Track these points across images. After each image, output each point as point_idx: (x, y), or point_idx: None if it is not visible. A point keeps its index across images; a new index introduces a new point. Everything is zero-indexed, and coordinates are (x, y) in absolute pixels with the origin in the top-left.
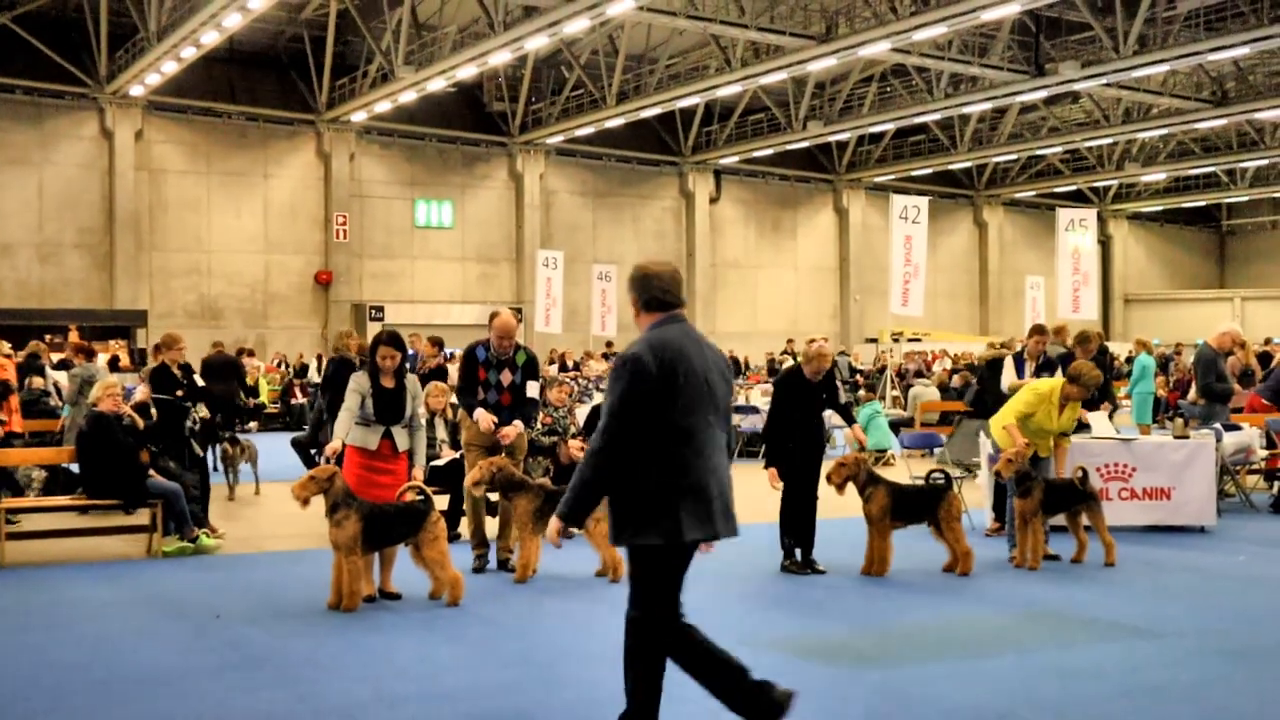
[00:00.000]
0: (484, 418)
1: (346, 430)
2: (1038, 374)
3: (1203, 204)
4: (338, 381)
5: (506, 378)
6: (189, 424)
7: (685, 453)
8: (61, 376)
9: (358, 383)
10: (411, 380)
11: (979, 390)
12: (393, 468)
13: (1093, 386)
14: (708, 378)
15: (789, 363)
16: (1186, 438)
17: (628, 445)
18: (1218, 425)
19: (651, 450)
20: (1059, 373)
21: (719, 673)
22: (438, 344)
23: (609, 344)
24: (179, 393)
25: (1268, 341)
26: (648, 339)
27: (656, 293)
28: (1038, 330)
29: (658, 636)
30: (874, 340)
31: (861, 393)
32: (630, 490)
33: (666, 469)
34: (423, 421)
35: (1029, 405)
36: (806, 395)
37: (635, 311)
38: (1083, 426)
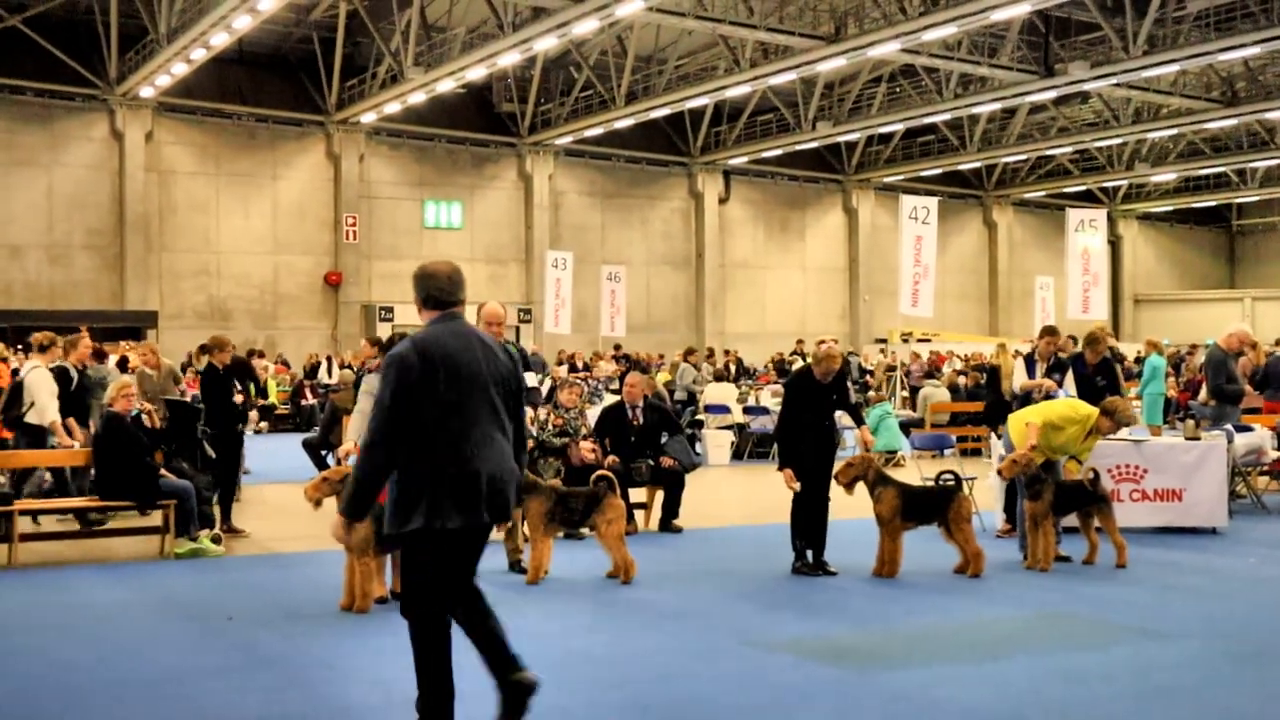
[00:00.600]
0: None
1: (359, 432)
2: (1048, 375)
3: (1213, 204)
4: None
5: None
6: (240, 425)
7: (452, 443)
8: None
9: (371, 385)
10: None
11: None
12: None
13: (1125, 424)
14: (476, 371)
15: (798, 363)
16: (1198, 439)
17: (397, 437)
18: (1229, 426)
19: (419, 441)
20: (1069, 374)
21: (436, 682)
22: (378, 344)
23: (617, 346)
24: (239, 397)
25: (1278, 342)
26: (414, 336)
27: (433, 291)
28: (1048, 331)
29: (428, 625)
30: (883, 341)
31: (871, 393)
32: (402, 480)
33: (433, 459)
34: None
35: (1063, 420)
36: (817, 396)
37: (418, 309)
38: None
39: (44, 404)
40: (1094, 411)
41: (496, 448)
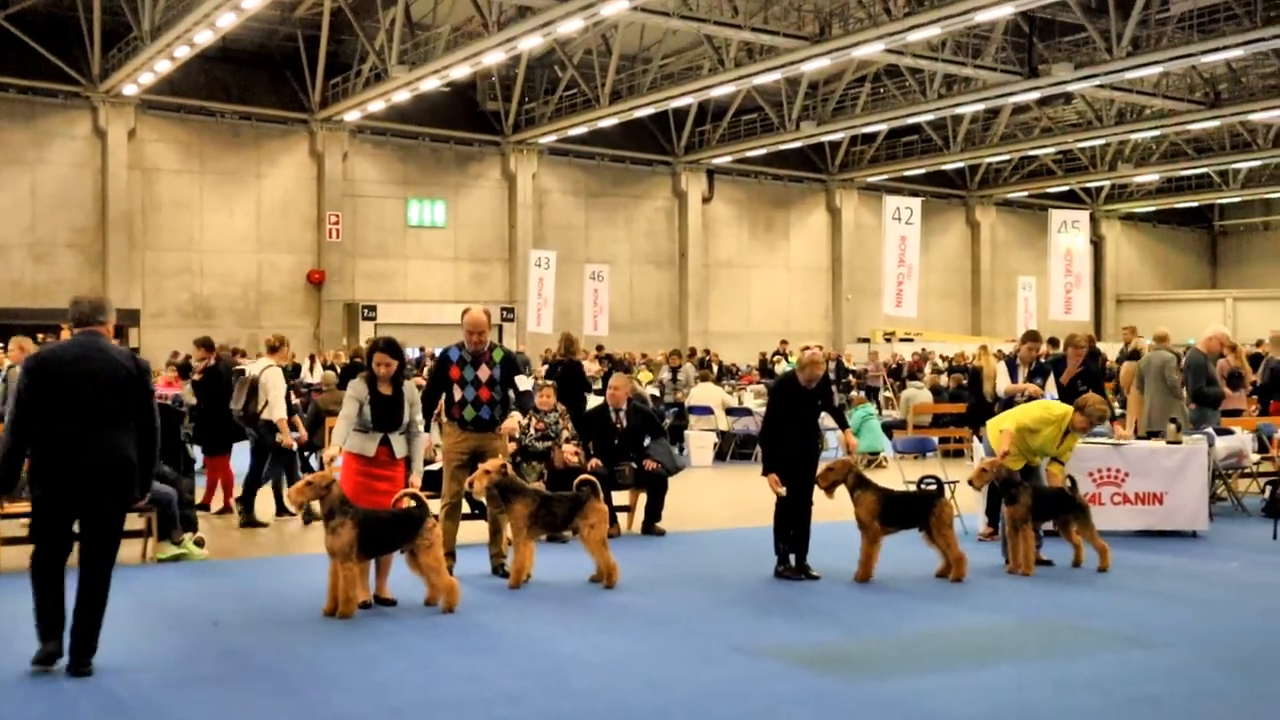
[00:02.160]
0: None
1: (344, 437)
2: (1030, 379)
3: (1195, 205)
4: (568, 382)
5: (484, 373)
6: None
7: (58, 433)
8: None
9: (355, 389)
10: (409, 387)
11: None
12: (391, 474)
13: (1097, 419)
14: (89, 378)
15: (782, 364)
16: (1179, 442)
17: (22, 425)
18: (1210, 430)
19: (38, 430)
20: (1051, 379)
21: (44, 608)
22: (205, 345)
23: (600, 346)
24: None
25: (1259, 344)
26: (41, 348)
27: (75, 314)
28: (1031, 337)
29: (35, 562)
30: (866, 340)
31: (854, 394)
32: (32, 458)
33: (41, 445)
34: (421, 428)
35: (1038, 422)
36: (801, 402)
37: (70, 327)
38: None
39: (275, 401)
40: (1068, 411)
41: (101, 438)
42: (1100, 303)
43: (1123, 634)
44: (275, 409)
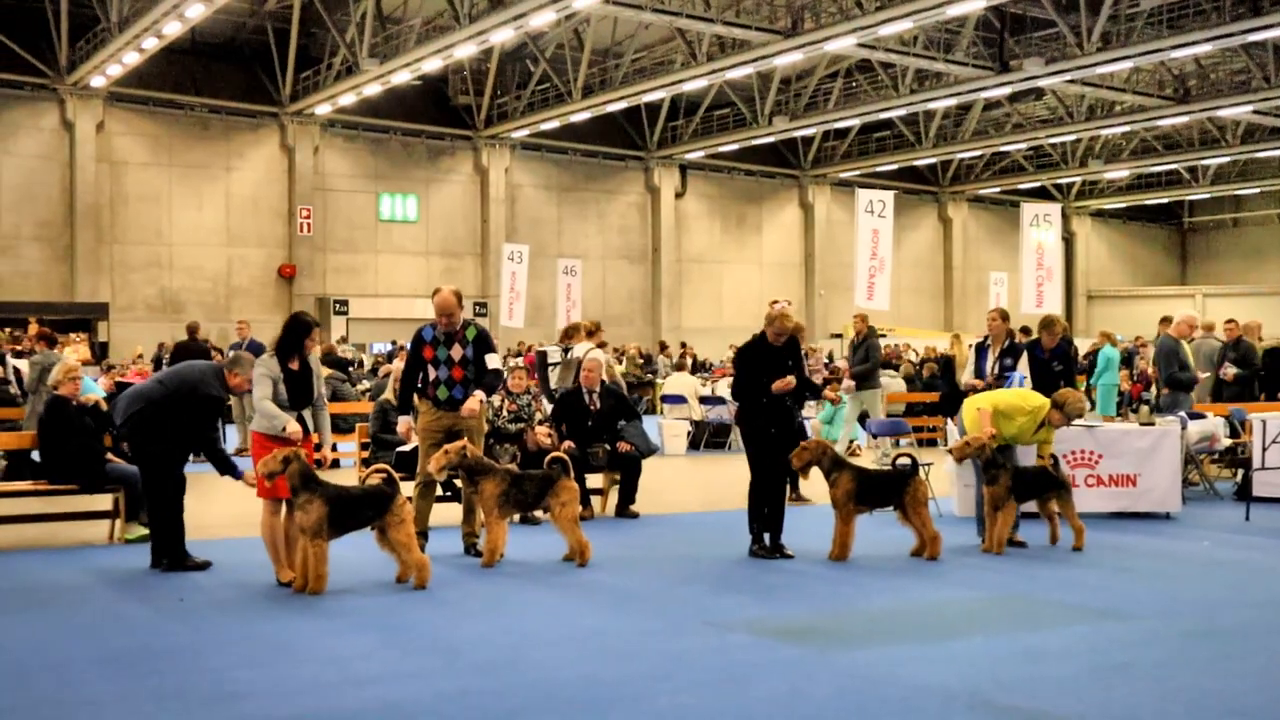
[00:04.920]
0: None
1: (280, 414)
2: (1001, 359)
3: (1165, 201)
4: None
5: (457, 352)
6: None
7: None
8: (23, 364)
9: (269, 367)
10: (314, 360)
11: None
12: (304, 450)
13: (1075, 417)
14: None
15: None
16: (1152, 425)
17: None
18: (1182, 413)
19: None
20: (1024, 359)
21: None
22: None
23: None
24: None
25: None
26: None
27: None
28: (1000, 313)
29: None
30: (839, 335)
31: (827, 391)
32: None
33: None
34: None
35: (1012, 409)
36: (770, 360)
37: None
38: None
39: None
40: (1044, 403)
41: None
42: (1071, 299)
43: (1094, 608)
44: None
